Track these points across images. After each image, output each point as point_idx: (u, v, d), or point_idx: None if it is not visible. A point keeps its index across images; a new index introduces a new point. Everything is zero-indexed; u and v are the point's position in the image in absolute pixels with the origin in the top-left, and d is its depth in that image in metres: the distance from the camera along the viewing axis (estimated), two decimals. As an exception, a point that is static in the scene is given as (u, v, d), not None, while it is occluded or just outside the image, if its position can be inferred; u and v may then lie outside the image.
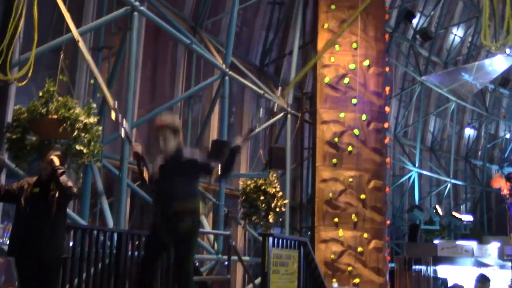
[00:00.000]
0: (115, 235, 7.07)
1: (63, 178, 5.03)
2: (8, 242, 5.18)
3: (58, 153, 5.28)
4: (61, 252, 5.28)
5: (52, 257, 5.14)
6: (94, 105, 6.86)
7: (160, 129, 4.34)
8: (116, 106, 5.30)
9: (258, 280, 9.15)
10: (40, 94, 6.30)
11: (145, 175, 4.50)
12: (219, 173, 4.41)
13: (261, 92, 13.30)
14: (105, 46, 10.55)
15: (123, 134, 4.98)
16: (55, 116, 6.14)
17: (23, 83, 5.17)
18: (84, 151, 6.32)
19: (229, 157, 4.33)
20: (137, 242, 7.48)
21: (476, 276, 8.54)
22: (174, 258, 4.40)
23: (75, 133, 6.21)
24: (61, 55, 6.86)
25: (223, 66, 11.88)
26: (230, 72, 12.05)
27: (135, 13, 8.77)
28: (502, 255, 19.73)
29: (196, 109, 13.68)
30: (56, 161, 5.00)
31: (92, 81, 10.33)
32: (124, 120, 5.22)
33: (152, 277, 4.44)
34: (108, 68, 10.57)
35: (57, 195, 5.11)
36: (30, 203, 5.06)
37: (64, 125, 6.13)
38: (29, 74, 5.11)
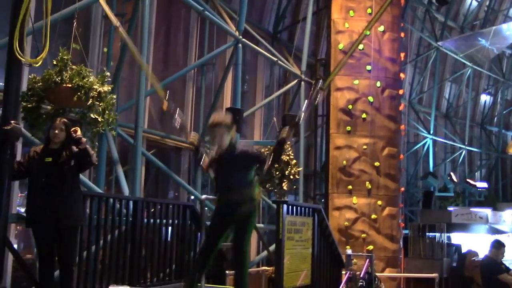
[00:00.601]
0: (131, 203, 7.15)
1: (88, 147, 5.13)
2: (25, 212, 5.21)
3: (65, 120, 5.31)
4: (78, 220, 5.33)
5: (70, 225, 5.19)
6: (108, 74, 6.85)
7: (216, 127, 4.76)
8: (167, 97, 5.41)
9: (272, 247, 9.23)
10: (54, 62, 6.30)
11: (205, 161, 4.93)
12: (268, 163, 4.71)
13: (275, 59, 13.21)
14: (118, 13, 10.48)
15: (177, 125, 5.19)
16: (69, 85, 6.14)
17: (38, 64, 5.18)
18: (99, 119, 6.33)
19: (276, 148, 4.79)
20: (152, 210, 7.58)
21: (491, 241, 8.58)
22: (233, 238, 4.86)
23: (90, 101, 6.21)
24: (74, 23, 6.83)
25: (236, 33, 11.78)
26: (243, 39, 11.95)
27: (148, -20, 8.68)
28: (517, 222, 19.72)
29: (209, 77, 13.63)
30: (79, 131, 5.13)
31: (105, 50, 10.31)
32: (177, 109, 5.38)
33: (210, 257, 4.97)
34: (120, 38, 10.50)
35: (72, 163, 5.13)
36: (45, 173, 5.06)
37: (79, 93, 6.13)
38: (45, 51, 5.11)
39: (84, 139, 5.20)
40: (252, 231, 4.94)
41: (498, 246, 8.26)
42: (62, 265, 5.16)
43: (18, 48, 4.99)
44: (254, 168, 4.82)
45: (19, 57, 4.94)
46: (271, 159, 4.74)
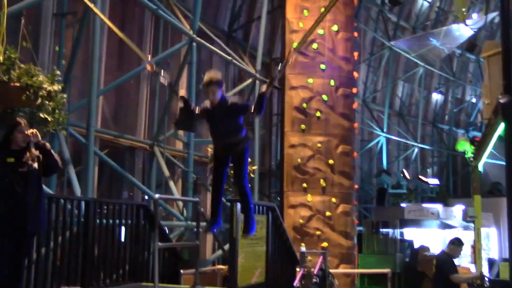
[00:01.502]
0: (83, 203, 7.06)
1: (53, 152, 5.18)
2: None
3: (25, 122, 5.20)
4: (43, 226, 5.30)
5: (35, 231, 5.14)
6: (58, 72, 6.75)
7: (209, 84, 5.41)
8: (150, 59, 5.78)
9: (227, 246, 9.24)
10: (1, 60, 6.16)
11: (197, 110, 5.55)
12: (253, 110, 5.47)
13: (230, 58, 13.22)
14: (69, 12, 10.31)
15: (165, 82, 6.08)
16: (17, 84, 6.03)
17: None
18: (49, 119, 6.24)
19: (258, 100, 5.49)
20: (105, 210, 7.49)
21: (450, 238, 8.69)
22: (234, 176, 5.76)
23: (39, 101, 6.11)
24: (22, 21, 6.70)
25: (191, 32, 11.75)
26: (198, 38, 11.93)
27: (99, -22, 8.58)
28: (466, 217, 20.23)
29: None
30: (39, 135, 5.12)
31: (57, 48, 10.13)
32: (162, 70, 5.90)
33: (222, 188, 5.84)
34: (73, 35, 10.35)
35: (36, 166, 5.04)
36: (7, 175, 4.93)
37: (27, 93, 6.02)
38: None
39: (48, 145, 5.14)
40: (247, 162, 5.78)
41: (458, 244, 8.36)
42: (16, 268, 5.01)
43: None
44: (243, 114, 5.61)
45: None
46: (254, 107, 5.48)
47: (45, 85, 6.16)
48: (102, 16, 7.39)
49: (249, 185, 5.85)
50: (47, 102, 6.19)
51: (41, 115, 6.16)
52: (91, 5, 7.44)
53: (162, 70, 5.92)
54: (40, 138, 5.13)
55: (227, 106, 5.50)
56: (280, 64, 5.86)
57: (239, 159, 5.64)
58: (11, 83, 5.99)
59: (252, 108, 5.49)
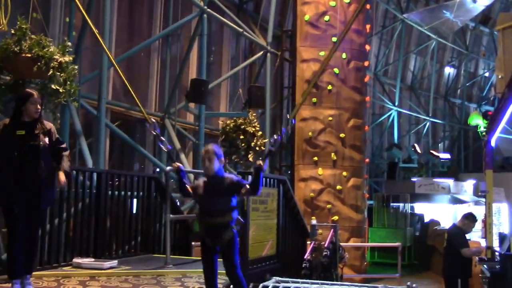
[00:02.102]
0: (94, 175, 7.08)
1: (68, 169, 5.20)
2: None
3: (35, 92, 5.13)
4: (53, 200, 5.25)
5: (46, 204, 5.12)
6: (69, 44, 6.71)
7: (207, 152, 5.16)
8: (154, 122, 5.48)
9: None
10: (13, 31, 6.13)
11: (189, 188, 5.25)
12: (248, 188, 5.09)
13: (240, 30, 13.10)
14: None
15: (164, 149, 5.51)
16: (28, 55, 6.00)
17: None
18: (60, 90, 6.22)
19: (255, 175, 5.13)
20: (116, 182, 7.52)
21: (465, 213, 8.63)
22: (224, 263, 5.16)
23: (50, 72, 6.09)
24: (33, -8, 6.66)
25: (201, 4, 11.64)
26: (209, 10, 11.82)
27: None
28: (477, 192, 20.19)
29: (174, 48, 13.47)
30: (63, 177, 5.13)
31: (67, 19, 10.07)
32: (163, 139, 5.55)
33: (215, 275, 5.27)
34: (83, 7, 10.26)
35: (47, 140, 4.98)
36: (18, 148, 4.87)
37: (39, 63, 6.00)
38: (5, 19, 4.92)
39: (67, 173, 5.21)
40: (239, 251, 5.24)
41: (472, 219, 8.30)
42: (30, 240, 4.98)
43: None
44: (237, 193, 5.18)
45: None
46: (251, 187, 5.13)
47: (56, 56, 6.13)
48: None
49: (242, 274, 5.25)
50: (58, 73, 6.17)
51: (53, 86, 6.14)
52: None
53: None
54: (64, 180, 5.14)
55: (221, 182, 5.14)
56: (276, 138, 5.34)
57: (227, 246, 5.11)
58: (23, 53, 5.97)
59: (248, 187, 5.10)
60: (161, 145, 5.46)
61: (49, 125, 5.10)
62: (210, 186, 5.17)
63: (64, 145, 5.20)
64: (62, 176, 5.07)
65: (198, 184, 5.25)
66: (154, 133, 5.38)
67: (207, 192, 5.16)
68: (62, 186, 5.22)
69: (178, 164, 5.35)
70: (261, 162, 5.09)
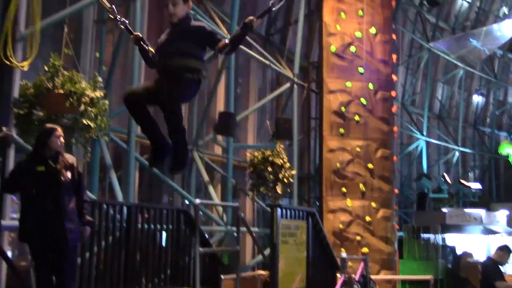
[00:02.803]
0: (125, 209, 7.12)
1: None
2: (19, 224, 4.97)
3: (58, 128, 5.18)
4: (78, 238, 5.06)
5: (74, 243, 4.97)
6: (100, 79, 6.83)
7: None
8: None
9: (267, 251, 9.21)
10: (46, 68, 6.27)
11: (151, 50, 4.36)
12: (226, 42, 4.17)
13: (267, 62, 13.21)
14: (109, 18, 10.46)
15: (122, 25, 4.53)
16: (61, 91, 6.12)
17: (25, 67, 5.06)
18: (91, 125, 6.31)
19: (241, 30, 4.21)
20: (146, 215, 7.54)
21: (499, 245, 8.48)
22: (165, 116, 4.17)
23: (82, 107, 6.19)
24: (65, 29, 6.80)
25: (228, 36, 11.77)
26: (236, 43, 11.94)
27: (139, -15, 8.68)
28: (510, 222, 19.76)
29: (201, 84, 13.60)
30: (86, 232, 5.13)
31: (97, 54, 10.29)
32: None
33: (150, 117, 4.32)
34: (113, 41, 10.49)
35: (69, 175, 4.91)
36: (37, 184, 4.85)
37: (71, 99, 6.10)
38: (33, 55, 5.00)
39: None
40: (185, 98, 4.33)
41: (506, 251, 8.15)
42: (61, 285, 4.87)
43: (10, 52, 4.92)
44: (205, 45, 4.25)
45: (6, 60, 4.85)
46: (232, 40, 4.27)
47: (88, 91, 6.24)
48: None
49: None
50: (89, 109, 6.27)
51: (84, 121, 6.23)
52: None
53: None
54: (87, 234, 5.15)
55: (188, 27, 4.22)
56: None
57: (179, 88, 4.10)
58: (55, 90, 6.08)
59: (227, 42, 4.18)
60: None
61: (71, 159, 5.09)
62: (173, 31, 4.25)
63: (85, 196, 5.14)
64: (85, 232, 5.07)
65: (160, 40, 4.33)
66: None
67: (170, 36, 4.23)
68: (86, 239, 5.18)
69: (137, 33, 4.49)
70: (254, 18, 4.18)
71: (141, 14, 9.46)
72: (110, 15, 4.46)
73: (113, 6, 4.47)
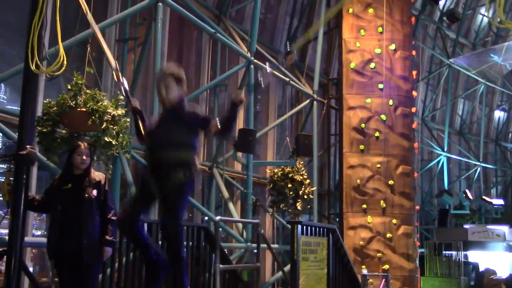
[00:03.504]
0: (145, 226, 7.15)
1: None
2: (46, 242, 5.05)
3: (86, 144, 5.28)
4: (100, 254, 5.06)
5: (91, 261, 4.98)
6: (122, 97, 6.91)
7: (163, 77, 4.17)
8: (117, 66, 5.37)
9: (287, 268, 9.18)
10: (69, 87, 6.37)
11: (142, 129, 4.32)
12: (219, 127, 4.15)
13: (287, 79, 13.26)
14: (131, 37, 10.61)
15: (123, 91, 4.64)
16: (84, 109, 6.20)
17: (57, 73, 5.11)
18: (113, 142, 6.37)
19: (229, 111, 4.15)
20: (167, 232, 7.56)
21: None
22: (161, 214, 4.18)
23: (104, 125, 6.26)
24: (88, 48, 6.92)
25: (248, 54, 11.86)
26: (255, 60, 12.03)
27: (160, 4, 8.80)
28: (533, 239, 19.48)
29: (222, 98, 13.70)
30: (108, 252, 5.08)
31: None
32: (124, 79, 5.00)
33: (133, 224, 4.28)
34: (134, 59, 10.63)
35: (95, 193, 4.99)
36: (63, 202, 4.93)
37: (93, 117, 6.18)
38: (63, 67, 5.05)
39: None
40: (184, 210, 4.22)
41: None
42: None
43: (37, 61, 4.97)
44: (198, 133, 4.23)
45: (36, 69, 4.88)
46: (221, 122, 4.20)
47: (110, 109, 6.31)
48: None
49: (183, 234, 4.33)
50: (111, 126, 6.34)
51: (106, 139, 6.30)
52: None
53: (124, 79, 4.91)
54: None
55: (181, 113, 4.17)
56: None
57: (173, 194, 4.09)
58: (78, 108, 6.17)
59: (216, 125, 4.15)
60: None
61: (99, 176, 5.15)
62: (165, 118, 4.17)
63: (112, 215, 5.08)
64: (108, 252, 5.07)
65: (151, 123, 4.26)
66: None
67: (162, 122, 4.16)
68: (106, 259, 5.17)
69: (136, 102, 4.38)
70: (241, 96, 4.14)
71: (162, 33, 9.58)
72: (114, 73, 4.63)
73: (117, 65, 4.87)
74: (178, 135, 4.05)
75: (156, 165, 4.02)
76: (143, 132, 4.27)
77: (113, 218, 5.09)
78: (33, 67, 4.83)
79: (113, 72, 5.04)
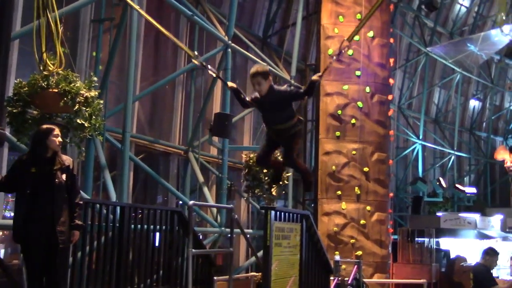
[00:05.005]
0: (118, 209, 7.09)
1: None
2: (12, 224, 4.95)
3: (56, 128, 5.18)
4: (68, 238, 5.01)
5: (60, 244, 4.90)
6: (95, 79, 6.81)
7: (254, 76, 5.52)
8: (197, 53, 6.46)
9: (260, 253, 9.20)
10: (40, 67, 6.25)
11: (249, 98, 5.72)
12: (305, 95, 5.79)
13: (264, 64, 13.20)
14: (106, 18, 10.44)
15: (214, 74, 6.39)
16: (55, 90, 6.10)
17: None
18: (86, 124, 6.28)
19: (310, 86, 5.66)
20: (140, 215, 7.53)
21: (484, 248, 8.46)
22: (285, 152, 5.97)
23: (76, 107, 6.16)
24: (61, 27, 6.78)
25: (226, 38, 11.78)
26: (233, 44, 11.95)
27: (136, -15, 8.67)
28: (505, 227, 19.79)
29: (198, 82, 13.62)
30: (76, 236, 5.16)
31: (94, 54, 10.26)
32: (208, 64, 6.33)
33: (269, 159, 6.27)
34: (110, 41, 10.47)
35: (64, 177, 4.90)
36: (32, 186, 4.83)
37: (65, 99, 6.08)
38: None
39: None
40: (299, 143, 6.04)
41: (492, 254, 8.12)
42: (52, 285, 4.86)
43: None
44: (291, 102, 5.78)
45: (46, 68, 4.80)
46: (307, 93, 5.76)
47: (83, 91, 6.21)
48: (145, 15, 7.44)
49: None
50: (84, 108, 6.24)
51: (78, 120, 6.21)
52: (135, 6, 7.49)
53: (208, 65, 6.30)
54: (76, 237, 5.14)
55: (276, 96, 5.61)
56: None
57: (292, 140, 5.83)
58: (50, 89, 6.06)
59: (304, 93, 5.73)
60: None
61: (68, 160, 5.06)
62: (267, 101, 5.62)
63: (79, 199, 5.10)
64: (76, 236, 5.06)
65: (255, 97, 5.69)
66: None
67: (266, 106, 5.68)
68: (75, 242, 5.20)
69: (231, 83, 5.90)
70: (317, 77, 5.74)
71: (138, 15, 9.44)
72: (202, 64, 6.27)
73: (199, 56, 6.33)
74: (280, 113, 5.69)
75: (277, 132, 5.82)
76: (249, 101, 5.76)
77: (80, 202, 5.05)
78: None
79: (195, 60, 6.43)
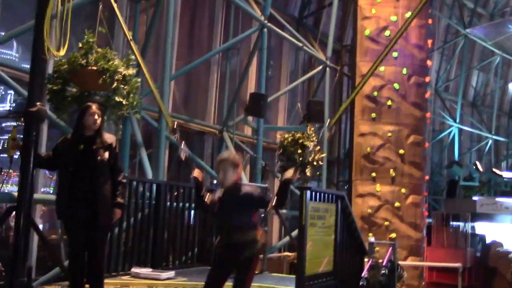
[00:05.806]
0: (154, 186, 7.18)
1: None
2: (55, 201, 4.98)
3: (97, 105, 5.19)
4: (110, 216, 5.01)
5: (103, 223, 4.92)
6: (133, 57, 6.86)
7: (221, 162, 4.75)
8: (176, 126, 5.46)
9: (295, 233, 9.21)
10: (80, 45, 6.32)
11: (208, 200, 4.77)
12: (274, 203, 4.68)
13: (300, 44, 13.11)
14: (144, -2, 10.49)
15: (182, 157, 5.44)
16: (94, 68, 6.17)
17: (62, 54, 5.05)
18: (123, 102, 6.36)
19: (282, 189, 4.68)
20: (175, 193, 7.61)
21: None
22: (234, 281, 4.70)
23: (114, 84, 6.24)
24: (100, 6, 6.83)
25: (262, 18, 11.71)
26: (269, 24, 11.88)
27: (173, -36, 8.67)
28: (542, 212, 19.40)
29: (234, 62, 13.59)
30: (118, 214, 5.09)
31: (130, 33, 10.31)
32: (183, 142, 5.61)
33: None
34: (147, 21, 10.53)
35: (106, 155, 4.91)
36: (76, 164, 4.84)
37: (104, 76, 6.15)
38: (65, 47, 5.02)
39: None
40: (254, 275, 4.77)
41: None
42: (93, 261, 4.91)
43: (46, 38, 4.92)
44: (255, 210, 4.80)
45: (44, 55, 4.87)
46: (276, 199, 4.66)
47: (121, 69, 6.28)
48: None
49: None
50: (122, 86, 6.31)
51: (116, 98, 6.28)
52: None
53: (183, 143, 5.72)
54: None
55: (239, 196, 4.69)
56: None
57: (243, 268, 4.67)
58: (89, 66, 6.13)
59: (272, 202, 4.66)
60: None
61: (110, 139, 5.03)
62: (225, 199, 4.70)
63: (122, 177, 5.07)
64: (118, 214, 5.05)
65: (214, 199, 4.75)
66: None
67: (222, 206, 4.70)
68: (117, 221, 5.19)
69: (198, 172, 4.85)
70: (291, 174, 4.63)
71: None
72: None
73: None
74: (239, 219, 4.66)
75: (227, 246, 4.68)
76: (208, 203, 4.77)
77: (123, 180, 5.07)
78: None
79: (171, 131, 5.27)
